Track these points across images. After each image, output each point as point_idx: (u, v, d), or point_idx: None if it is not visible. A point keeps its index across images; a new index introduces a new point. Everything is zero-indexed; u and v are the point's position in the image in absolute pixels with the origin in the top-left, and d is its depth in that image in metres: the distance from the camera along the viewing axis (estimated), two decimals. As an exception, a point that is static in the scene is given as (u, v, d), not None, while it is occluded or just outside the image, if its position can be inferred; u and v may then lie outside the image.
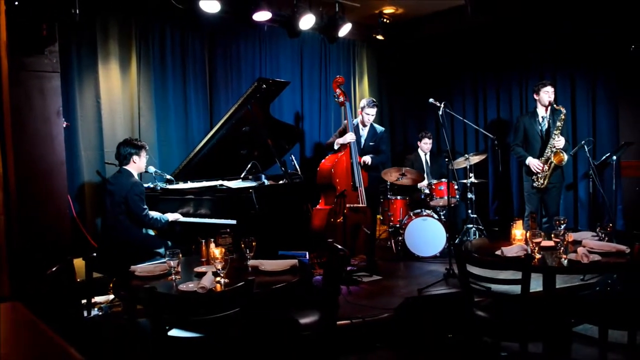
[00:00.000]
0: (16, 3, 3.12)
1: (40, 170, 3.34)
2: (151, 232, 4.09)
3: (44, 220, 3.34)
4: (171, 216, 4.15)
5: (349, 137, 4.81)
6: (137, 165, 3.98)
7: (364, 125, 5.18)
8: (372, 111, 5.11)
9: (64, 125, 3.58)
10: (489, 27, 6.15)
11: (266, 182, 4.39)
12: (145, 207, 3.93)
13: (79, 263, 3.13)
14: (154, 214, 3.99)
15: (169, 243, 3.95)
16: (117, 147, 4.02)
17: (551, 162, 4.78)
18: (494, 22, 6.04)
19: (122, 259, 3.38)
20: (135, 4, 4.76)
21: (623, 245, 2.85)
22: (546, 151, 4.83)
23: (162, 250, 3.88)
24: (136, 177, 3.99)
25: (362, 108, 5.16)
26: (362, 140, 5.15)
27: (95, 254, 3.05)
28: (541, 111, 4.94)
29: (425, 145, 6.12)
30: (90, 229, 4.43)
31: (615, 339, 3.19)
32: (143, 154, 4.00)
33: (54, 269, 2.63)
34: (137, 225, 3.92)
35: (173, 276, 2.55)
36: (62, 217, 3.43)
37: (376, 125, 5.28)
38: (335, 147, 4.94)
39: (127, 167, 3.94)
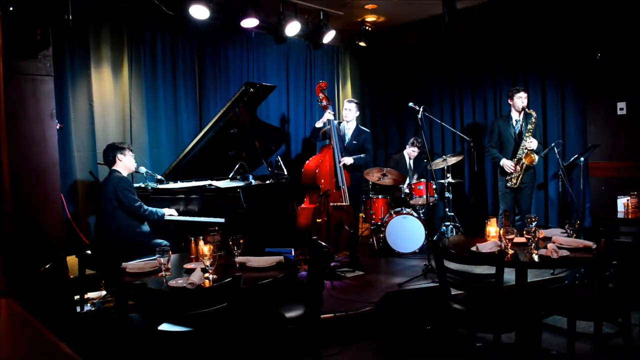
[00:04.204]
0: (11, 9, 3.15)
1: (34, 171, 3.32)
2: (145, 229, 4.09)
3: (38, 218, 3.32)
4: (167, 211, 4.16)
5: (327, 115, 4.90)
6: (124, 163, 3.98)
7: (347, 122, 5.28)
8: (349, 105, 5.25)
9: (58, 127, 3.56)
10: (465, 35, 6.34)
11: (253, 182, 4.45)
12: (138, 199, 3.94)
13: (72, 260, 3.20)
14: (150, 208, 4.01)
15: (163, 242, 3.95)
16: (103, 153, 4.04)
17: (523, 163, 4.95)
18: (470, 31, 6.23)
19: (116, 255, 3.38)
20: (127, 10, 4.80)
21: (590, 242, 2.97)
22: (518, 152, 4.98)
23: (156, 241, 3.91)
24: (125, 175, 3.99)
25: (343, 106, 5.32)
26: (346, 139, 5.24)
27: (88, 252, 3.08)
28: (515, 115, 5.10)
29: (412, 152, 6.23)
30: (83, 227, 4.46)
31: (583, 329, 3.33)
32: (127, 152, 4.00)
33: (47, 266, 2.68)
34: (134, 218, 3.92)
35: (163, 272, 2.61)
36: (55, 216, 3.42)
37: (362, 127, 5.39)
38: (318, 125, 5.01)
39: (115, 167, 3.97)
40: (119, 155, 3.96)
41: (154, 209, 4.03)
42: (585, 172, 5.53)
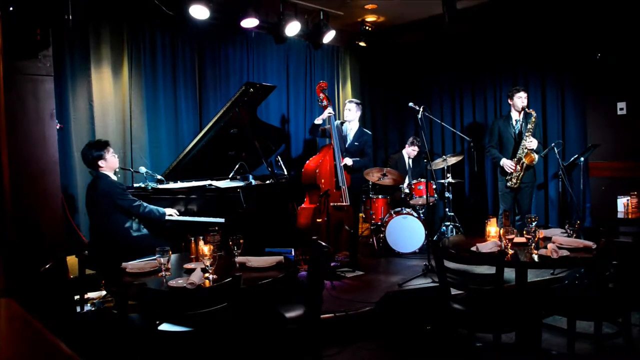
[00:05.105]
0: (11, 9, 3.15)
1: (34, 170, 3.32)
2: (144, 232, 4.01)
3: (38, 218, 3.31)
4: (168, 211, 4.08)
5: (327, 112, 4.87)
6: (108, 165, 3.81)
7: (348, 122, 5.27)
8: (349, 106, 5.24)
9: (58, 127, 3.56)
10: (465, 35, 6.36)
11: (253, 182, 4.44)
12: (135, 199, 3.84)
13: (72, 260, 3.20)
14: (150, 205, 3.93)
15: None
16: (82, 154, 3.84)
17: (523, 162, 4.95)
18: (470, 31, 6.25)
19: (114, 257, 3.35)
20: (127, 10, 4.80)
21: (590, 242, 2.99)
22: (518, 152, 4.99)
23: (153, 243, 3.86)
24: (112, 176, 3.84)
25: (344, 106, 5.31)
26: (348, 139, 5.23)
27: (87, 252, 3.08)
28: (515, 115, 5.11)
29: (412, 152, 6.24)
30: (83, 227, 4.45)
31: (583, 329, 3.35)
32: (108, 154, 3.80)
33: (47, 266, 2.69)
34: (136, 218, 3.86)
35: (163, 272, 2.61)
36: (55, 215, 3.41)
37: (365, 129, 5.37)
38: (317, 122, 4.99)
39: (101, 171, 3.79)
40: (100, 162, 3.78)
41: (154, 207, 3.96)
42: (585, 172, 5.54)
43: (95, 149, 3.78)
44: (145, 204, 3.90)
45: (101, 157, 3.77)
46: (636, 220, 4.45)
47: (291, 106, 6.45)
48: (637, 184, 4.91)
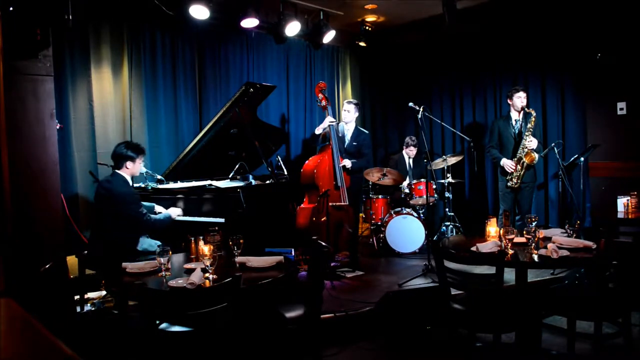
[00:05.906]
0: (11, 9, 3.15)
1: (34, 170, 3.28)
2: (149, 244, 3.88)
3: (38, 218, 3.26)
4: (172, 211, 4.03)
5: (328, 121, 4.88)
6: (131, 170, 3.78)
7: (345, 122, 5.28)
8: (348, 107, 5.25)
9: (58, 127, 3.52)
10: (465, 35, 6.36)
11: (253, 182, 4.44)
12: (145, 211, 3.75)
13: (72, 260, 3.22)
14: (155, 214, 3.88)
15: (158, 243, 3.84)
16: (115, 149, 3.81)
17: (523, 162, 4.95)
18: (470, 31, 6.25)
19: (114, 256, 3.35)
20: (127, 10, 4.81)
21: (590, 242, 2.99)
22: (519, 151, 4.98)
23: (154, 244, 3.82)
24: (129, 181, 3.81)
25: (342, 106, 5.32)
26: (346, 140, 5.23)
27: (87, 252, 3.08)
28: (514, 115, 5.11)
29: (410, 152, 6.26)
30: (83, 227, 4.45)
31: (583, 329, 3.34)
32: (138, 160, 3.80)
33: (47, 266, 2.69)
34: (141, 229, 3.78)
35: (163, 272, 2.62)
36: (55, 215, 3.35)
37: (361, 128, 5.38)
38: (317, 132, 5.00)
39: (121, 172, 3.75)
40: (128, 163, 3.74)
41: (160, 217, 3.87)
42: (585, 172, 5.54)
43: (132, 149, 3.77)
44: (151, 217, 3.80)
45: (132, 160, 3.76)
46: (636, 220, 4.46)
47: (291, 106, 6.45)
48: (637, 184, 4.92)
